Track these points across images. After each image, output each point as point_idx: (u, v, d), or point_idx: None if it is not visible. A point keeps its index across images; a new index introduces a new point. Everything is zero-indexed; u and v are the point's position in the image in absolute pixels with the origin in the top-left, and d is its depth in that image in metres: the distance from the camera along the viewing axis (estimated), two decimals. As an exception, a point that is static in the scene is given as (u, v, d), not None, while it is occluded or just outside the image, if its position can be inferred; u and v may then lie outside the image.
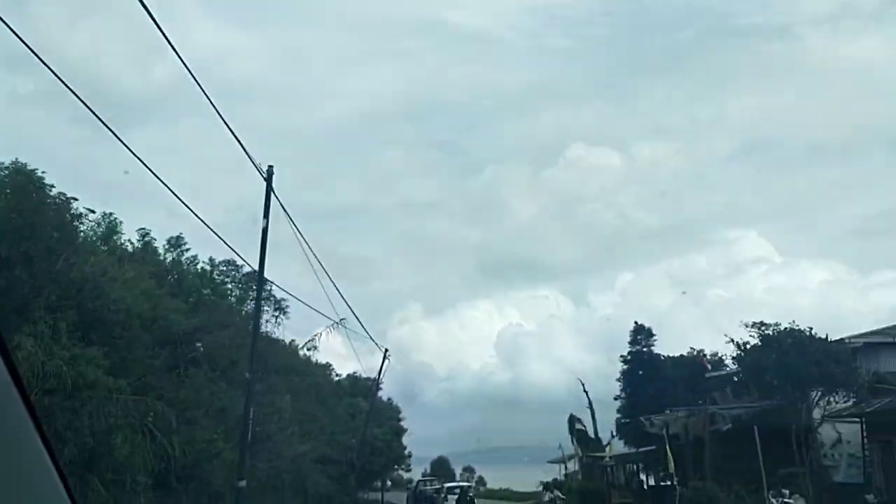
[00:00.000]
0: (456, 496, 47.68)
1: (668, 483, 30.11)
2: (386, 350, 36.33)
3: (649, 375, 45.26)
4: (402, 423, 53.07)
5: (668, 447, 22.27)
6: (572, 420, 48.45)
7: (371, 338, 32.14)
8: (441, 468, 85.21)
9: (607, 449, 36.31)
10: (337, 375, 39.97)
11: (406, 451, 58.03)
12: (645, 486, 42.01)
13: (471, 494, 43.46)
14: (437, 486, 58.02)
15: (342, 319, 26.69)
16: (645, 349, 47.05)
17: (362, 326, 27.44)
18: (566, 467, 49.17)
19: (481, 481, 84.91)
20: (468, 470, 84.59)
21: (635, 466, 43.05)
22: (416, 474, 73.63)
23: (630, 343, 47.57)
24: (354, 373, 46.74)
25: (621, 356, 47.64)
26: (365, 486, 49.82)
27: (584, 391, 48.31)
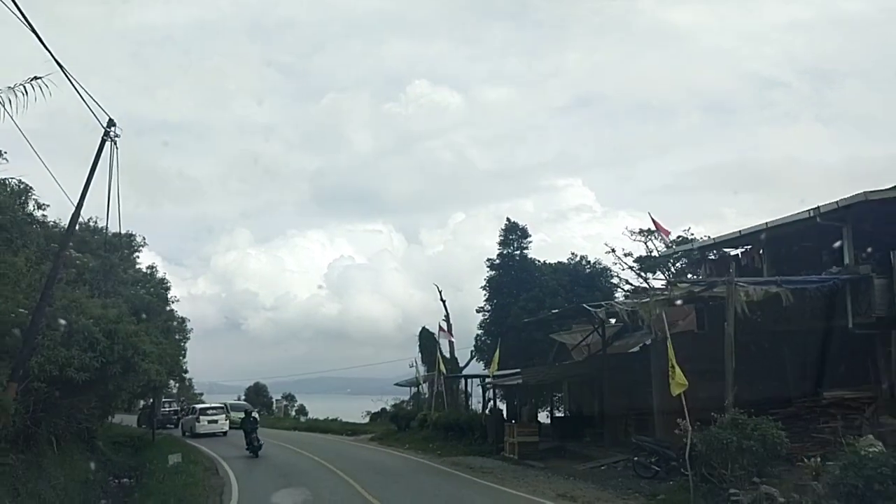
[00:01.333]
0: (215, 421, 38.60)
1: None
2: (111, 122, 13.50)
3: (522, 282, 37.54)
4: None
5: (669, 343, 13.64)
6: (425, 335, 39.94)
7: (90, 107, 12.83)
8: (257, 395, 73.68)
9: (492, 367, 27.95)
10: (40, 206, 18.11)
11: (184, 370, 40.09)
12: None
13: (254, 415, 31.03)
14: (179, 409, 47.66)
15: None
16: (517, 252, 39.21)
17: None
18: (419, 391, 40.44)
19: (302, 410, 75.13)
20: (288, 398, 73.69)
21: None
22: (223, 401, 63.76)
23: (500, 244, 39.50)
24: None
25: (488, 260, 39.55)
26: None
27: (441, 299, 39.83)
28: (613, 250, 37.13)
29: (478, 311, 38.95)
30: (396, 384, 42.73)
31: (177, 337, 33.74)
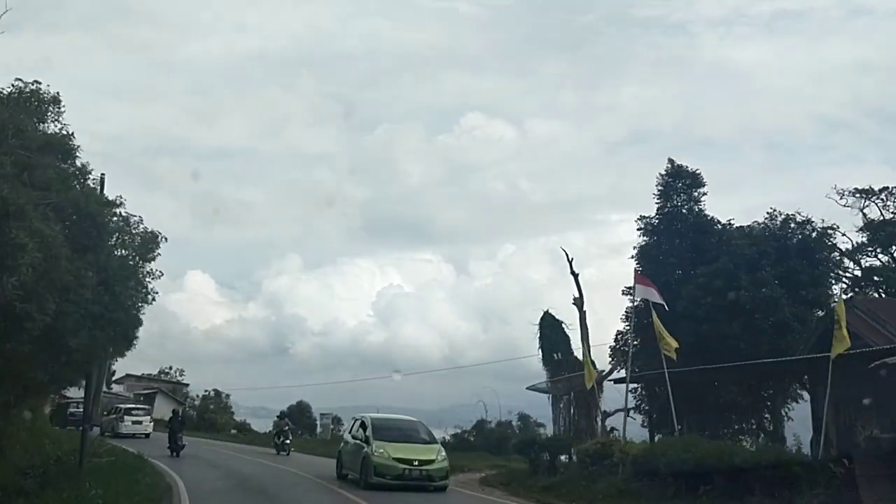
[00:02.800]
0: (139, 422, 37.91)
1: None
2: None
3: (699, 250, 25.00)
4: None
5: None
6: (548, 323, 27.21)
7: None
8: (300, 415, 61.39)
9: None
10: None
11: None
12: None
13: (181, 416, 30.42)
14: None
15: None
16: (685, 207, 26.66)
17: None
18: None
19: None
20: (335, 420, 60.57)
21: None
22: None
23: (659, 196, 26.96)
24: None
25: (641, 219, 27.08)
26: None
27: (572, 272, 27.19)
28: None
29: (624, 294, 26.37)
30: (530, 388, 29.28)
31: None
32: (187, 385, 65.36)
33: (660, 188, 26.83)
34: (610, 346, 26.99)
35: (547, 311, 27.59)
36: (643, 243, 26.66)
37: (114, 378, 64.34)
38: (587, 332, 25.38)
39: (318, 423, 61.62)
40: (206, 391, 63.72)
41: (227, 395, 62.23)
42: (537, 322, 27.25)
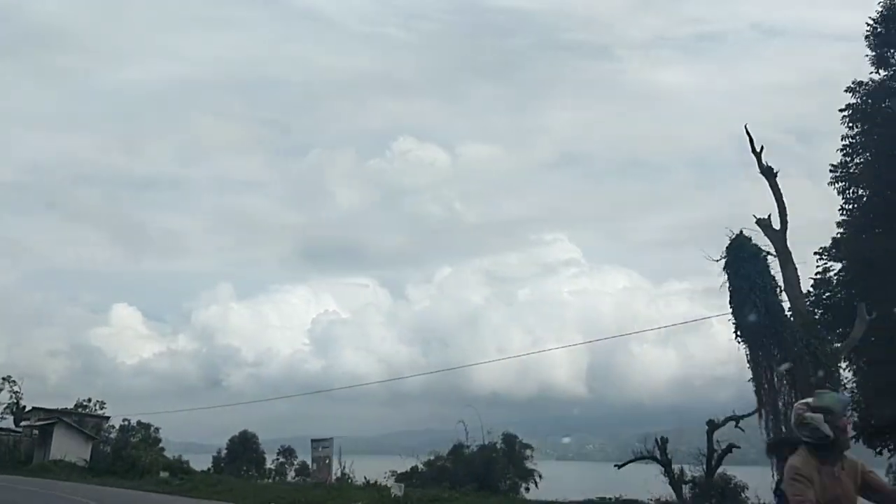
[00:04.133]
0: None
1: None
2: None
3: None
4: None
5: None
6: (742, 252, 17.02)
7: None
8: (244, 449, 48.68)
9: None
10: None
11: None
12: None
13: None
14: None
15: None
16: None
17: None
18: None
19: (304, 470, 50.76)
20: (286, 452, 48.81)
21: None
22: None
23: (874, 61, 17.59)
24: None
25: (847, 109, 17.48)
26: None
27: (754, 150, 17.07)
28: None
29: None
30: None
31: None
32: (107, 418, 51.83)
33: (872, 51, 17.55)
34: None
35: (741, 232, 17.33)
36: (850, 139, 17.16)
37: (24, 412, 53.93)
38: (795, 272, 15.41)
39: (265, 459, 48.83)
40: (125, 421, 50.24)
41: (157, 429, 49.18)
42: (721, 255, 16.88)
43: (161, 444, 47.13)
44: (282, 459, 47.51)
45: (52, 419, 47.39)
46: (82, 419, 50.56)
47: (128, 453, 42.75)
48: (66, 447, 46.10)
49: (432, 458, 33.81)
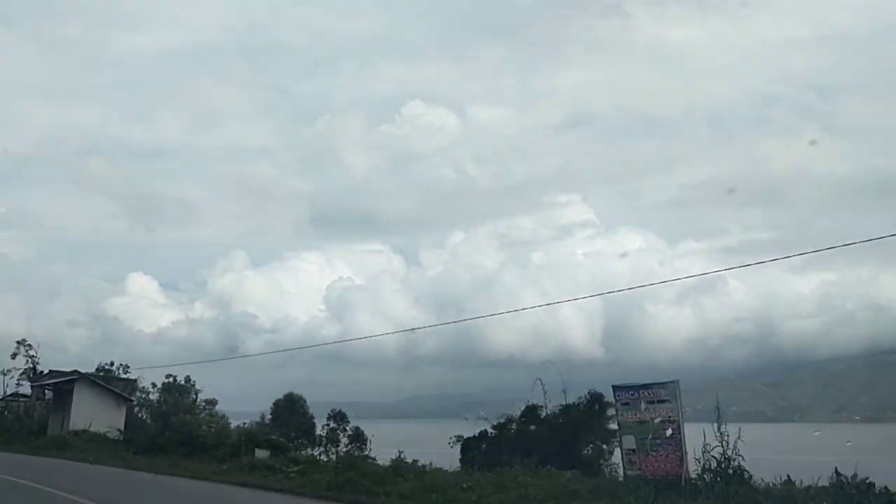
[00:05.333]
0: None
1: None
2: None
3: None
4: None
5: None
6: None
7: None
8: (290, 414, 40.43)
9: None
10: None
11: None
12: None
13: None
14: None
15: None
16: None
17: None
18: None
19: (359, 437, 36.90)
20: (337, 417, 39.73)
21: None
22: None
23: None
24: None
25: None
26: None
27: None
28: None
29: None
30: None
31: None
32: (134, 379, 39.75)
33: None
34: None
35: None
36: None
37: (41, 376, 46.64)
38: None
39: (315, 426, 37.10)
40: (169, 378, 37.96)
41: (197, 388, 36.89)
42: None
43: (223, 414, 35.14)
44: (333, 425, 36.73)
45: (70, 377, 35.23)
46: (109, 380, 38.52)
47: (180, 420, 30.59)
48: (91, 412, 34.17)
49: (502, 420, 29.60)
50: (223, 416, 33.60)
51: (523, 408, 29.20)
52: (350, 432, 36.88)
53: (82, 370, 37.40)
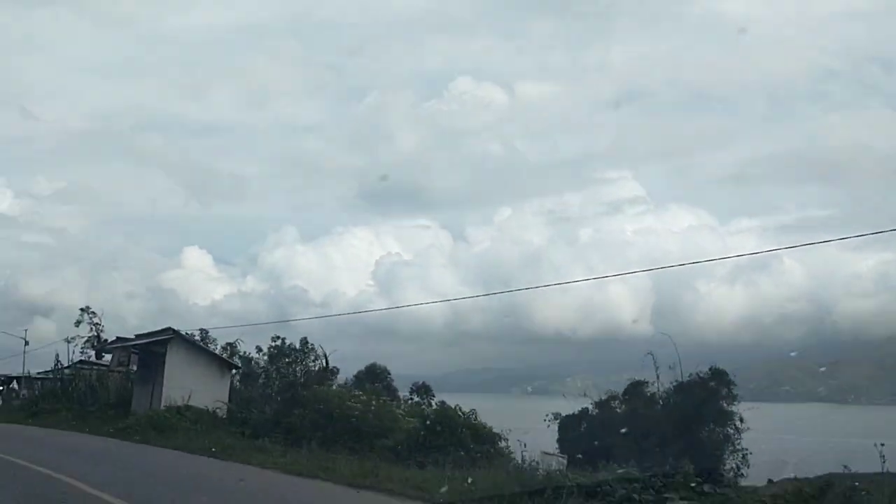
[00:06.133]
0: None
1: None
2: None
3: None
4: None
5: None
6: None
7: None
8: (373, 384, 26.36)
9: None
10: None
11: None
12: None
13: None
14: None
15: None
16: None
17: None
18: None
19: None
20: (420, 389, 36.70)
21: None
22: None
23: None
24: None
25: None
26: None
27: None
28: None
29: None
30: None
31: None
32: (232, 343, 31.83)
33: None
34: None
35: None
36: None
37: (106, 344, 43.43)
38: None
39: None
40: (277, 340, 30.02)
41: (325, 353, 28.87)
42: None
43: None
44: (416, 399, 32.72)
45: (163, 336, 27.54)
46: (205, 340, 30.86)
47: (315, 394, 22.61)
48: (190, 382, 26.48)
49: (604, 398, 27.87)
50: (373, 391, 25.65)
51: (626, 384, 27.07)
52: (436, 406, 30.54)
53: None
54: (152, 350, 27.39)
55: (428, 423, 18.29)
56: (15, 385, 54.40)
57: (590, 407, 27.60)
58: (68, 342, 74.67)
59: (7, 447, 17.13)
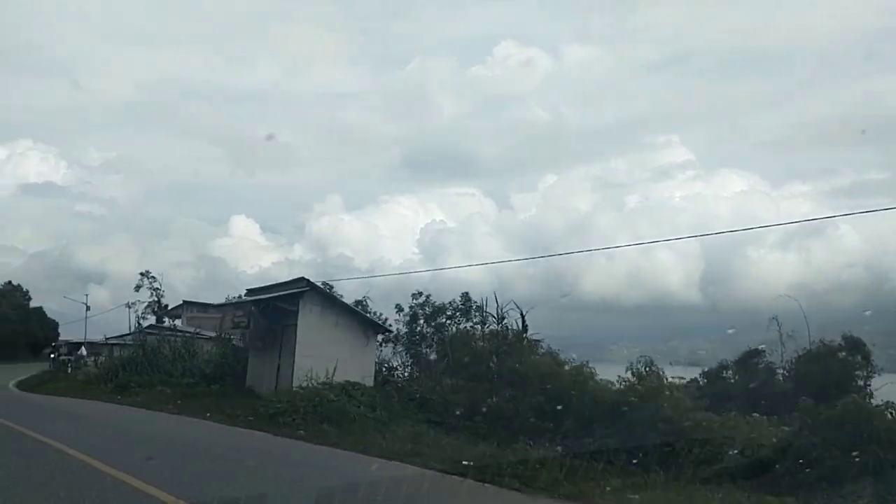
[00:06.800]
0: None
1: None
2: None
3: None
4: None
5: None
6: None
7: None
8: None
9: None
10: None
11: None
12: None
13: None
14: None
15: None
16: None
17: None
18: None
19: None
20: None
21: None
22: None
23: None
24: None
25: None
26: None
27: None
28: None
29: None
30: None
31: None
32: (361, 300, 25.02)
33: None
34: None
35: None
36: None
37: (168, 310, 45.06)
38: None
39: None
40: (420, 297, 23.31)
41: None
42: None
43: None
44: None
45: (296, 288, 20.74)
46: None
47: (530, 368, 15.62)
48: (328, 349, 19.75)
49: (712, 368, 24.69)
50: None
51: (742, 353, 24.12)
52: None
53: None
54: (278, 307, 20.69)
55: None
56: (83, 351, 49.32)
57: (698, 377, 25.08)
58: (129, 307, 69.48)
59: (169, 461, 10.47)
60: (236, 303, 22.04)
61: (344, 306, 21.26)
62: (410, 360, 23.87)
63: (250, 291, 23.51)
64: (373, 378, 20.74)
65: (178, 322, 48.91)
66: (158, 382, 24.47)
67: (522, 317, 17.86)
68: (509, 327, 18.86)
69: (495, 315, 19.52)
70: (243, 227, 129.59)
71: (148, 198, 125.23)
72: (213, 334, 40.99)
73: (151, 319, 67.30)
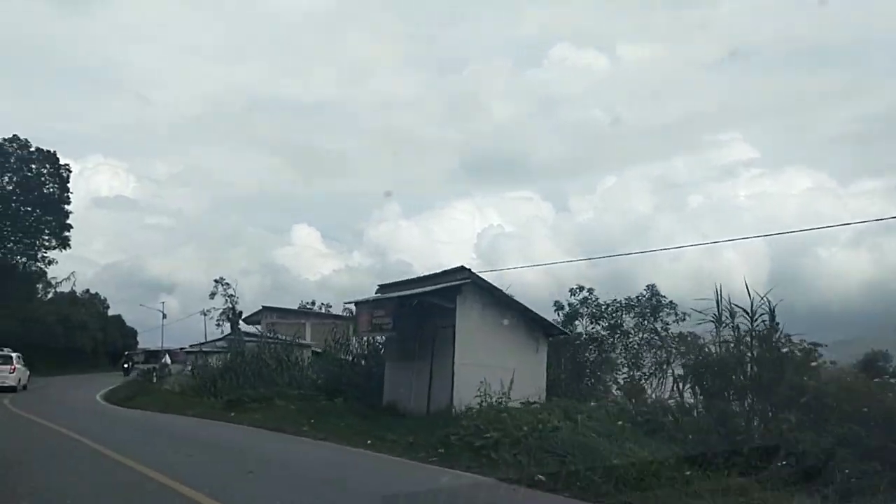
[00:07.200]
0: None
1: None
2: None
3: None
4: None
5: None
6: None
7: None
8: None
9: None
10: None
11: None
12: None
13: None
14: None
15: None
16: None
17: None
18: None
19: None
20: None
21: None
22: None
23: None
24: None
25: None
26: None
27: None
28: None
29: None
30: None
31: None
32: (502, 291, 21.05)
33: None
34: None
35: None
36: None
37: (242, 317, 44.35)
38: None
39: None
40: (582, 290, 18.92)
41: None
42: None
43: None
44: None
45: (456, 279, 16.60)
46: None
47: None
48: (493, 357, 15.57)
49: None
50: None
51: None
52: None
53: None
54: (430, 304, 16.54)
55: None
56: (167, 359, 46.54)
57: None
58: (204, 315, 67.79)
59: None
60: (375, 300, 18.03)
61: (510, 302, 16.97)
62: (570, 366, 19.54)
63: (382, 287, 19.50)
64: (545, 393, 16.48)
65: (258, 328, 46.28)
66: (275, 395, 20.77)
67: (771, 311, 13.18)
68: (756, 328, 14.03)
69: (747, 311, 14.50)
70: (305, 235, 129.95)
71: (214, 209, 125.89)
72: (306, 342, 37.40)
73: (226, 327, 65.37)
